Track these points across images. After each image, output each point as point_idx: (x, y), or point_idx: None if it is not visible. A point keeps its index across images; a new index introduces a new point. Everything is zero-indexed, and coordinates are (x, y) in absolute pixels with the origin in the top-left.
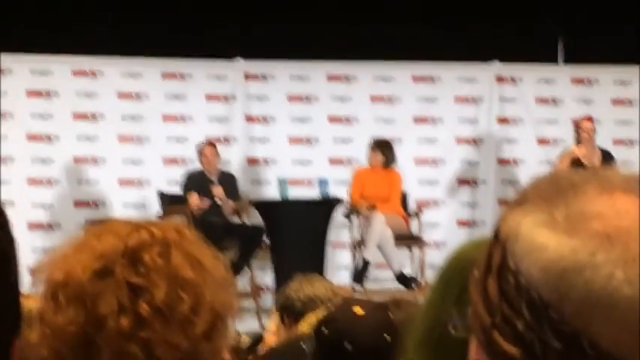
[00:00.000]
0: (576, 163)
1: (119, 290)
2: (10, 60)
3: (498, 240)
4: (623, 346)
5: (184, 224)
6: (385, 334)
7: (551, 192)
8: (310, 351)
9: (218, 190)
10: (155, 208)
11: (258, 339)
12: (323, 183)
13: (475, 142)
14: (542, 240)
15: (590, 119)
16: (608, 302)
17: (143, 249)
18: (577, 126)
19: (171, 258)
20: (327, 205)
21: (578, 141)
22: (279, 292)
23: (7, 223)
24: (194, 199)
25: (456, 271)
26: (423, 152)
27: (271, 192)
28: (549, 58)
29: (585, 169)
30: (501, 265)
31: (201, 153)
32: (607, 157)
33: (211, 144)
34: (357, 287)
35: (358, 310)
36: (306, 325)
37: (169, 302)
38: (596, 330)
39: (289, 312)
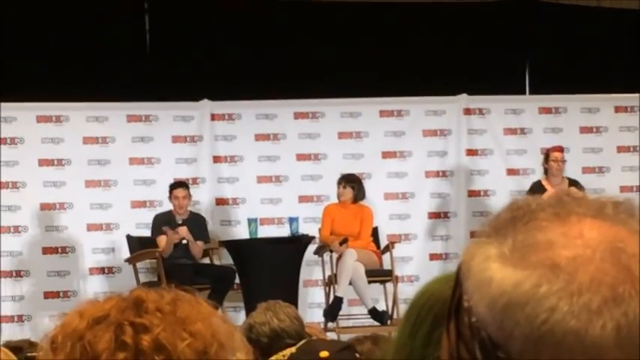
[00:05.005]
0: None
1: (118, 329)
2: None
3: (458, 276)
4: None
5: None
6: None
7: (505, 222)
8: None
9: (183, 230)
10: (124, 252)
11: None
12: (293, 221)
13: (445, 174)
14: (489, 274)
15: (560, 149)
16: (552, 337)
17: (149, 299)
18: (546, 156)
19: (179, 308)
20: (298, 243)
21: (546, 171)
22: (244, 325)
23: None
24: (162, 243)
25: (424, 308)
26: (393, 187)
27: (241, 232)
28: (517, 89)
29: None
30: (458, 304)
31: (171, 194)
32: (575, 186)
33: (183, 184)
34: (330, 324)
35: (324, 353)
36: None
37: (172, 340)
38: None
39: (255, 346)
